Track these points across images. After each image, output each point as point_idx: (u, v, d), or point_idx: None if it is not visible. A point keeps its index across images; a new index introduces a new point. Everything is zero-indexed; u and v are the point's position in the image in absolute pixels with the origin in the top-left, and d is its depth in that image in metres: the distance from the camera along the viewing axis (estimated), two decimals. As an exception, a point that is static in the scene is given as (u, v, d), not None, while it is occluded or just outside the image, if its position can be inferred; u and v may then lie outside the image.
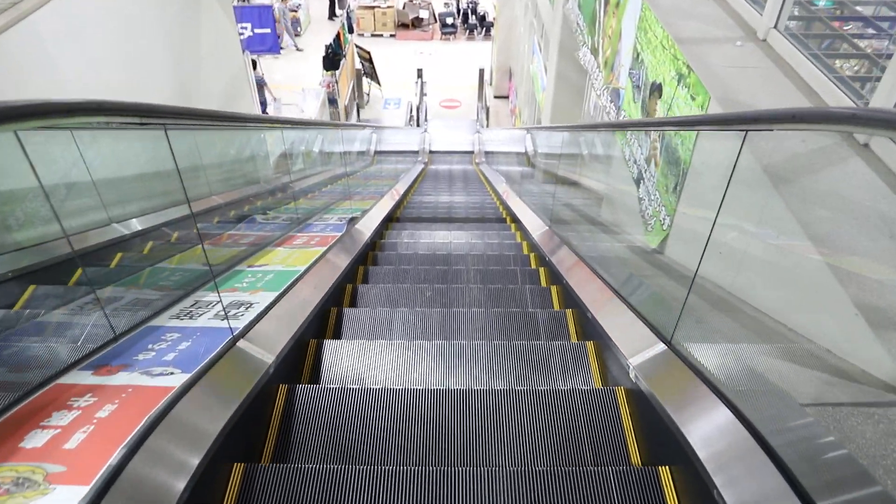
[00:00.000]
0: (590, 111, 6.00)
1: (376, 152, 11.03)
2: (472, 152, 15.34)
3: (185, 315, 1.85)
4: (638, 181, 3.46)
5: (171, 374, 1.40)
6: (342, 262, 2.79)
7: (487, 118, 16.20)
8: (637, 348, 1.64)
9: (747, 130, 1.19)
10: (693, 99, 2.67)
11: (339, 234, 3.33)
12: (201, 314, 1.89)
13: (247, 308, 1.94)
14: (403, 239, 4.36)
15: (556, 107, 6.68)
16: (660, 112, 3.15)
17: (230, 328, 1.64)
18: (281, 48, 18.19)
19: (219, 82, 6.33)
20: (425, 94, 17.17)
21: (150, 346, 1.58)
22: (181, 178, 1.44)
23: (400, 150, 13.45)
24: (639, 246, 3.18)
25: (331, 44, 14.01)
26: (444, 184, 10.21)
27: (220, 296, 2.03)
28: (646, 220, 3.25)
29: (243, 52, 6.93)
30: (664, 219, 2.99)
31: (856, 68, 2.88)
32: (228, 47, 6.57)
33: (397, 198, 6.45)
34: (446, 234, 4.64)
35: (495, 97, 18.55)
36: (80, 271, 1.93)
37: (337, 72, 14.09)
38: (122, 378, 1.37)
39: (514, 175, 8.43)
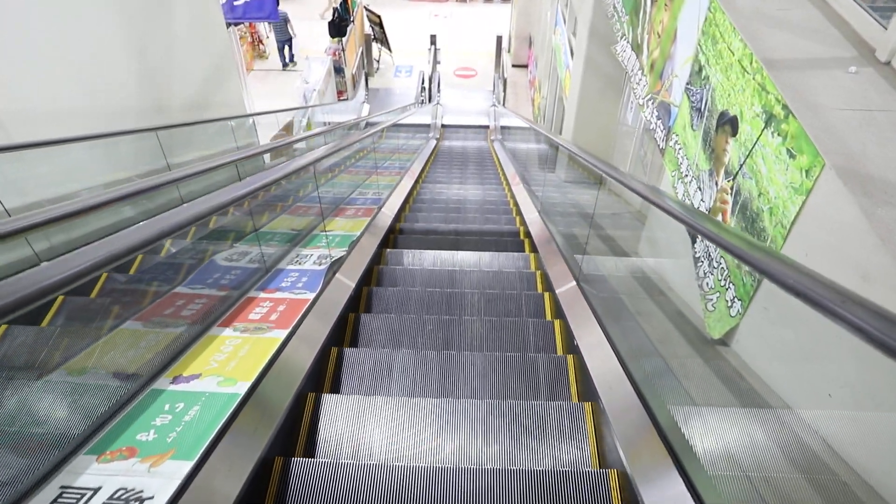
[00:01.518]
0: (628, 119, 5.14)
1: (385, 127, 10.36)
2: (487, 127, 14.49)
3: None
4: (694, 236, 2.72)
5: None
6: (301, 365, 2.12)
7: (505, 90, 15.18)
8: None
9: None
10: (791, 157, 1.91)
11: (312, 294, 2.66)
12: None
13: (133, 513, 1.29)
14: (396, 293, 3.41)
15: (584, 99, 5.80)
16: (731, 155, 2.38)
17: None
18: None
19: (198, 66, 5.55)
20: (439, 62, 16.18)
21: None
22: None
23: (410, 123, 12.76)
24: (698, 332, 2.46)
25: (337, 8, 13.00)
26: (457, 171, 9.44)
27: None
28: (705, 295, 2.53)
29: (228, 26, 6.11)
30: (732, 301, 2.27)
31: None
32: (209, 22, 5.75)
33: (401, 199, 5.76)
34: (453, 260, 3.97)
35: (513, 66, 17.45)
36: None
37: (344, 39, 13.12)
38: None
39: (533, 166, 7.60)
